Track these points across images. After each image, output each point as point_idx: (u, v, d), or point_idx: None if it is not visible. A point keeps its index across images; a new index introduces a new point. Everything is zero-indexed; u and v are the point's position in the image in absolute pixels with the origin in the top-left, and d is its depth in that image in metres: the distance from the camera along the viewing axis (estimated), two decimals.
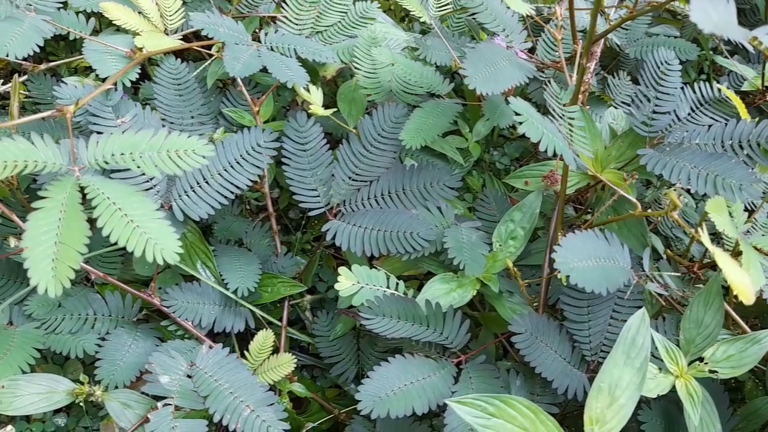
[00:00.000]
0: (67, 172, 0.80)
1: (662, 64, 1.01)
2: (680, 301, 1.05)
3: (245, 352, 1.05)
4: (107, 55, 1.04)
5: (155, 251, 0.75)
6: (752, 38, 0.71)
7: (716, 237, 1.13)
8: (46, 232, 0.73)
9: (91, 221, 0.76)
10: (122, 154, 0.81)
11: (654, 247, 1.14)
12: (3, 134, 0.99)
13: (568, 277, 0.84)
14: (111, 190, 0.78)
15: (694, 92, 1.05)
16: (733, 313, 0.97)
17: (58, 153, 0.80)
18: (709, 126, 0.97)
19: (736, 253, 0.92)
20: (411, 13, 1.26)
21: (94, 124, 0.99)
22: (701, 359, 0.90)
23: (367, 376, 0.92)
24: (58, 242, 0.73)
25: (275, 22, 1.28)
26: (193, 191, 1.01)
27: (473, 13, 1.04)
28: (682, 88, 1.04)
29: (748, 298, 0.69)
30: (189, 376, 0.94)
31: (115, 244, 0.76)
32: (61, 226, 0.74)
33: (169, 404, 0.89)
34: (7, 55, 0.95)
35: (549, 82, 0.93)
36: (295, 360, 1.06)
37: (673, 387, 0.87)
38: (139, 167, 0.80)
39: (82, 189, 0.78)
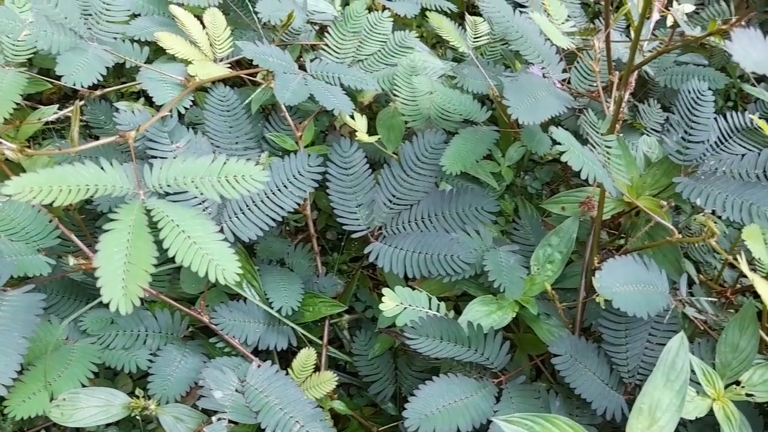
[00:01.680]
0: (134, 195, 0.84)
1: (695, 94, 1.04)
2: (712, 326, 1.07)
3: (288, 370, 1.09)
4: (162, 83, 1.10)
5: (217, 272, 0.79)
6: None
7: (750, 263, 1.16)
8: (117, 253, 0.77)
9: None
10: (184, 178, 0.86)
11: (687, 272, 1.17)
12: (64, 159, 1.05)
13: (607, 301, 0.87)
14: (175, 213, 0.82)
15: (726, 121, 1.08)
16: (767, 338, 1.00)
17: (125, 177, 0.85)
18: (743, 155, 1.00)
19: None
20: (448, 41, 1.31)
21: (152, 149, 1.04)
22: (738, 383, 0.92)
23: (413, 395, 0.95)
24: (128, 262, 0.77)
25: (315, 50, 1.33)
26: (243, 214, 1.05)
27: (511, 45, 1.08)
28: (715, 117, 1.07)
29: None
30: (238, 392, 0.98)
31: (166, 263, 0.80)
32: (129, 247, 0.78)
33: (223, 418, 0.93)
34: (74, 84, 1.01)
35: (586, 111, 0.97)
36: (336, 377, 1.09)
37: (711, 410, 0.90)
38: (200, 191, 0.85)
39: (148, 212, 0.82)
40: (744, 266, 0.77)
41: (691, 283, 1.17)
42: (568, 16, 1.44)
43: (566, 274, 1.14)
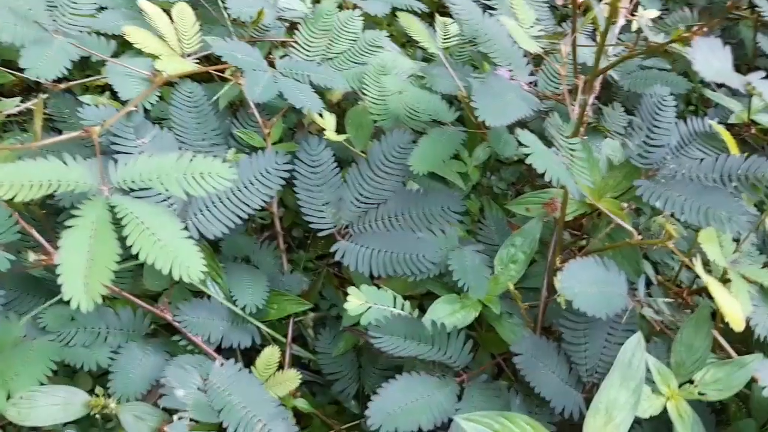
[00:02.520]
0: (97, 191, 0.83)
1: (657, 99, 1.07)
2: (669, 326, 1.10)
3: (251, 368, 1.09)
4: (128, 78, 1.08)
5: (182, 269, 0.79)
6: (747, 84, 0.76)
7: (705, 265, 1.19)
8: (79, 250, 0.77)
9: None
10: (150, 174, 0.85)
11: (646, 273, 1.20)
12: (26, 154, 1.03)
13: (568, 301, 0.89)
14: (139, 210, 0.82)
15: (687, 126, 1.11)
16: (721, 338, 1.03)
17: (89, 173, 0.84)
18: (701, 159, 1.03)
19: (723, 281, 0.97)
20: (416, 42, 1.32)
21: (116, 144, 1.02)
22: (691, 382, 0.95)
23: (376, 393, 0.96)
24: (90, 259, 0.76)
25: (285, 47, 1.33)
26: (209, 210, 1.05)
27: (480, 47, 1.09)
28: (676, 122, 1.10)
29: (738, 325, 0.74)
30: (201, 390, 0.97)
31: (128, 259, 0.79)
32: (92, 243, 0.77)
33: (185, 417, 0.92)
34: (38, 77, 0.99)
35: (552, 114, 0.99)
36: (300, 376, 1.09)
37: (665, 408, 0.92)
38: (165, 188, 0.84)
39: (111, 208, 0.82)
40: (699, 268, 0.79)
41: (649, 283, 1.20)
42: (537, 19, 1.47)
43: (529, 273, 1.15)
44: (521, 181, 1.49)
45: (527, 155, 0.86)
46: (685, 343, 0.96)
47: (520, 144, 0.90)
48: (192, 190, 0.85)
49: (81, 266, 0.75)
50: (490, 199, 1.39)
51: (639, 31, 0.95)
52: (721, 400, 1.10)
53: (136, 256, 0.80)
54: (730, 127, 1.54)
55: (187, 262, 0.79)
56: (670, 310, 1.14)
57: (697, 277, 1.26)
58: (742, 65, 1.79)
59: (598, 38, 1.05)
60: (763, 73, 0.76)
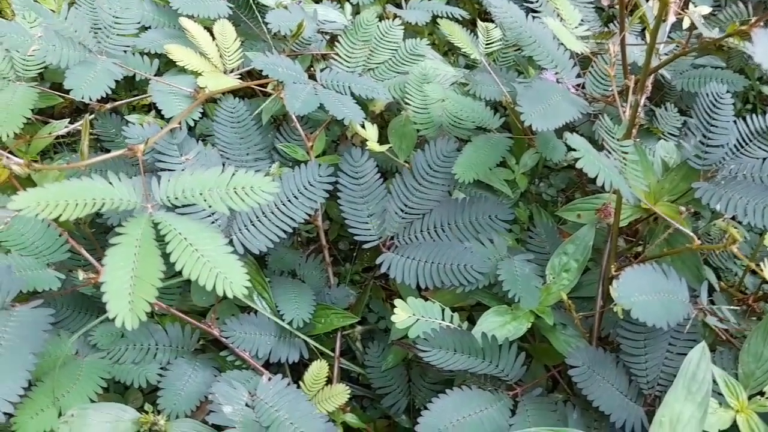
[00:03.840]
0: (141, 209, 0.84)
1: (714, 97, 1.02)
2: (734, 335, 1.04)
3: (299, 383, 1.07)
4: (171, 96, 1.09)
5: (225, 285, 0.78)
6: None
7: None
8: (123, 267, 0.76)
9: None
10: (192, 191, 0.85)
11: (709, 280, 1.14)
12: (74, 173, 1.04)
13: (625, 310, 0.84)
14: (182, 226, 0.81)
15: (746, 124, 1.06)
16: None
17: (133, 191, 0.84)
18: (764, 159, 0.97)
19: None
20: (459, 48, 1.30)
21: (161, 161, 1.03)
22: (762, 393, 0.89)
23: (426, 408, 0.93)
24: (135, 276, 0.76)
25: (326, 60, 1.32)
26: (253, 225, 1.04)
27: (524, 50, 1.06)
28: (734, 121, 1.04)
29: None
30: (249, 406, 0.96)
31: (176, 276, 0.79)
32: (136, 260, 0.77)
33: None
34: (83, 98, 1.00)
35: (602, 116, 0.95)
36: (349, 390, 1.08)
37: (734, 422, 0.87)
38: (208, 204, 0.84)
39: (155, 225, 0.82)
40: (767, 273, 0.74)
41: (711, 290, 1.14)
42: (582, 20, 1.43)
43: (583, 282, 1.11)
44: (571, 188, 1.44)
45: (577, 159, 0.82)
46: (753, 352, 0.91)
47: (570, 148, 0.86)
48: (234, 205, 0.84)
49: (125, 283, 0.75)
50: (540, 206, 1.35)
51: (691, 27, 0.90)
52: None
53: (182, 272, 0.80)
54: None
55: (231, 278, 0.78)
56: (735, 317, 1.08)
57: (764, 282, 1.20)
58: None
59: (648, 36, 1.01)
60: None
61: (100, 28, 1.10)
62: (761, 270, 0.75)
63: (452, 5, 1.61)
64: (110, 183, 0.83)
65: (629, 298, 0.83)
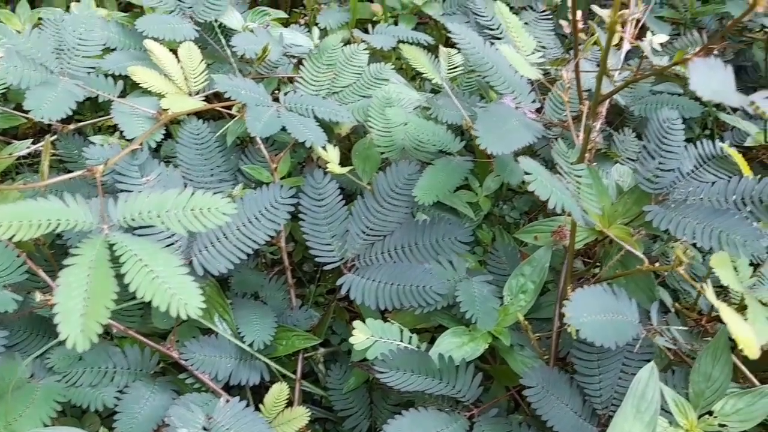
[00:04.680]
0: (97, 230, 0.84)
1: (665, 123, 1.05)
2: (690, 354, 1.06)
3: (260, 406, 1.07)
4: (134, 117, 1.10)
5: (180, 306, 0.78)
6: (751, 103, 0.74)
7: (724, 290, 1.15)
8: (76, 288, 0.76)
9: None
10: (149, 212, 0.85)
11: (663, 300, 1.16)
12: (35, 194, 1.04)
13: (578, 331, 0.86)
14: (138, 247, 0.81)
15: (697, 149, 1.09)
16: (743, 367, 0.99)
17: (89, 212, 0.84)
18: (713, 183, 1.00)
19: (742, 307, 0.94)
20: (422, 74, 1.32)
21: (121, 182, 1.03)
22: (710, 413, 0.91)
23: (382, 430, 0.93)
24: (87, 298, 0.76)
25: (293, 82, 1.34)
26: (213, 246, 1.04)
27: (481, 76, 1.08)
28: (685, 146, 1.07)
29: (753, 353, 0.71)
30: (206, 429, 0.96)
31: (136, 298, 0.79)
32: (90, 282, 0.77)
33: None
34: (42, 118, 1.01)
35: (557, 140, 0.97)
36: (309, 413, 1.07)
37: None
38: (165, 225, 0.84)
39: (110, 246, 0.82)
40: (710, 294, 0.76)
41: (667, 311, 1.16)
42: (543, 46, 1.46)
43: (542, 303, 1.13)
44: (534, 210, 1.46)
45: (530, 183, 0.84)
46: (703, 372, 0.93)
47: (526, 173, 0.88)
48: (192, 226, 0.85)
49: (78, 305, 0.75)
50: (502, 228, 1.37)
51: (643, 56, 0.93)
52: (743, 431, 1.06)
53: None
54: (747, 150, 1.52)
55: (186, 299, 0.78)
56: (689, 338, 1.10)
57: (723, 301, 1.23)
58: (759, 87, 1.76)
59: (600, 63, 1.04)
60: (766, 93, 0.74)
61: (63, 50, 1.10)
62: (704, 290, 0.77)
63: (420, 30, 1.65)
64: (66, 204, 0.83)
65: (578, 319, 0.84)
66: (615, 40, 1.18)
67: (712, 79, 0.67)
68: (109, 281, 0.78)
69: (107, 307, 0.76)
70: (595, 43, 1.11)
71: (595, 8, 0.85)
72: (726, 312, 0.73)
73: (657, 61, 1.00)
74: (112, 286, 0.78)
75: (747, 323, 0.74)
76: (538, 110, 1.19)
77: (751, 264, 1.06)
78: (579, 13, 0.91)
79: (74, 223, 0.82)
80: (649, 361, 0.94)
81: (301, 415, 1.06)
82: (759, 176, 1.00)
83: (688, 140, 1.67)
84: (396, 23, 1.60)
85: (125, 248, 0.81)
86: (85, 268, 0.78)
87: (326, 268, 1.13)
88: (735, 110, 1.60)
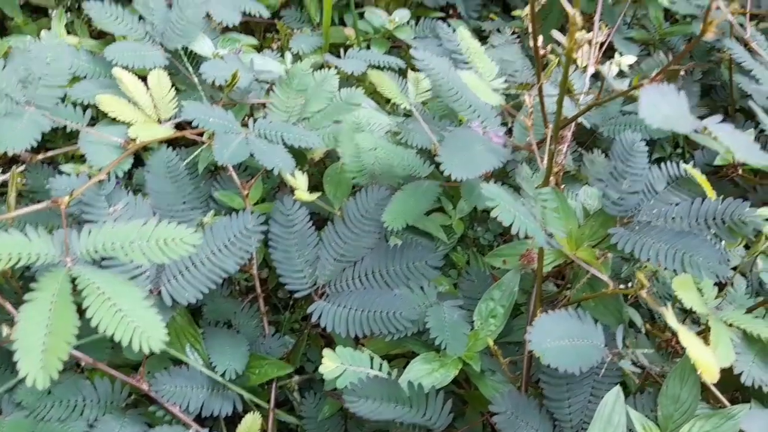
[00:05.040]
0: (60, 263, 0.83)
1: (629, 145, 1.06)
2: (662, 375, 1.06)
3: None
4: (101, 146, 1.09)
5: (142, 340, 0.78)
6: (704, 128, 0.75)
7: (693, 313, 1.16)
8: (37, 324, 0.76)
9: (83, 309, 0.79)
10: (113, 244, 0.85)
11: (634, 321, 1.17)
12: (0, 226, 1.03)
13: (540, 357, 0.86)
14: (101, 279, 0.81)
15: (661, 171, 1.10)
16: (713, 387, 0.99)
17: (51, 244, 0.84)
18: (676, 204, 1.01)
19: (708, 329, 0.95)
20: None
21: (88, 213, 1.03)
22: None
23: None
24: (48, 333, 0.75)
25: (265, 108, 1.34)
26: (182, 275, 1.04)
27: (446, 101, 1.09)
28: (650, 167, 1.08)
29: (712, 377, 0.71)
30: None
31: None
32: (51, 317, 0.77)
33: None
34: (5, 150, 1.00)
35: (521, 164, 0.98)
36: None
37: None
38: (129, 257, 0.84)
39: (73, 279, 0.81)
40: (670, 318, 0.77)
41: (638, 332, 1.17)
42: (516, 70, 1.48)
43: (513, 326, 1.13)
44: (508, 232, 1.47)
45: (492, 208, 0.85)
46: (670, 394, 0.93)
47: (489, 199, 0.89)
48: (156, 258, 0.85)
49: (38, 341, 0.74)
50: (477, 251, 1.38)
51: (602, 79, 0.95)
52: None
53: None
54: (717, 169, 1.54)
55: (149, 332, 0.78)
56: (659, 359, 1.10)
57: (694, 322, 1.24)
58: (728, 106, 1.79)
59: (559, 88, 1.05)
60: (719, 117, 0.75)
61: (30, 80, 1.10)
62: (665, 313, 0.78)
63: (394, 53, 1.66)
64: (27, 236, 0.82)
65: (541, 345, 0.84)
66: (582, 63, 1.20)
67: (662, 105, 0.68)
68: (71, 315, 0.78)
69: (68, 342, 0.75)
70: (560, 65, 1.12)
71: (555, 34, 0.86)
72: (685, 335, 0.73)
73: (618, 84, 1.01)
74: (74, 320, 0.77)
75: (705, 347, 0.74)
76: (510, 132, 1.20)
77: (718, 284, 1.07)
78: (540, 39, 0.92)
79: (36, 257, 0.82)
80: (618, 384, 0.95)
81: None
82: (722, 197, 1.01)
83: (659, 159, 1.70)
84: (369, 47, 1.61)
85: (88, 281, 0.81)
86: (47, 303, 0.78)
87: (297, 295, 1.13)
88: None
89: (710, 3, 0.66)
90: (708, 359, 0.72)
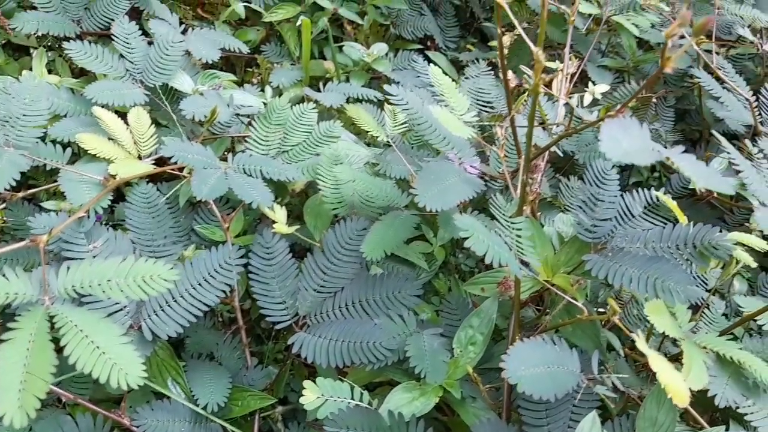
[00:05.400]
0: (38, 302, 0.84)
1: (601, 173, 1.08)
2: (642, 397, 1.07)
3: None
4: (81, 184, 1.10)
5: (119, 376, 0.78)
6: (667, 158, 0.78)
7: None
8: (14, 363, 0.76)
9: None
10: (91, 282, 0.86)
11: (613, 345, 1.18)
12: None
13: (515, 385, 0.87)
14: (79, 317, 0.82)
15: (633, 198, 1.12)
16: (691, 409, 1.00)
17: (29, 284, 0.84)
18: (648, 230, 1.03)
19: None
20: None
21: (68, 250, 1.04)
22: None
23: None
24: (26, 372, 0.76)
25: (244, 142, 1.36)
26: (162, 310, 1.04)
27: (420, 134, 1.12)
28: (622, 194, 1.11)
29: (682, 401, 0.73)
30: None
31: None
32: (29, 356, 0.77)
33: None
34: None
35: (495, 195, 1.00)
36: None
37: None
38: (107, 295, 0.85)
39: (51, 318, 0.82)
40: (641, 343, 0.78)
41: (617, 356, 1.18)
42: (490, 100, 1.51)
43: (494, 353, 1.14)
44: None
45: (466, 239, 0.86)
46: (648, 417, 0.94)
47: (462, 230, 0.90)
48: (135, 295, 0.85)
49: (16, 381, 0.74)
50: (459, 278, 1.39)
51: (571, 110, 0.97)
52: None
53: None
54: (693, 192, 1.56)
55: (126, 369, 0.79)
56: (638, 382, 1.12)
57: (674, 344, 1.25)
58: (704, 130, 1.83)
59: (544, 119, 1.08)
60: (682, 148, 0.77)
61: (8, 120, 1.11)
62: (637, 338, 0.79)
63: (374, 85, 1.69)
64: (5, 277, 0.83)
65: (516, 373, 0.85)
66: (556, 93, 1.22)
67: (623, 139, 0.70)
68: (49, 354, 0.78)
69: (46, 381, 0.76)
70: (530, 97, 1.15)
71: (523, 68, 0.89)
72: (654, 360, 0.75)
73: (587, 114, 1.04)
74: (52, 359, 0.78)
75: (675, 372, 0.75)
76: (487, 162, 1.22)
77: (694, 306, 1.09)
78: (510, 73, 0.94)
79: (14, 297, 0.82)
80: (598, 408, 0.96)
81: None
82: (693, 222, 1.03)
83: (637, 184, 1.73)
84: (348, 80, 1.64)
85: (65, 320, 0.81)
86: (25, 342, 0.78)
87: (278, 327, 1.13)
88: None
89: (666, 40, 0.69)
90: (677, 384, 0.73)
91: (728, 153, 0.98)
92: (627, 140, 0.72)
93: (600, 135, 0.68)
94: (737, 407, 0.97)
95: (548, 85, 1.28)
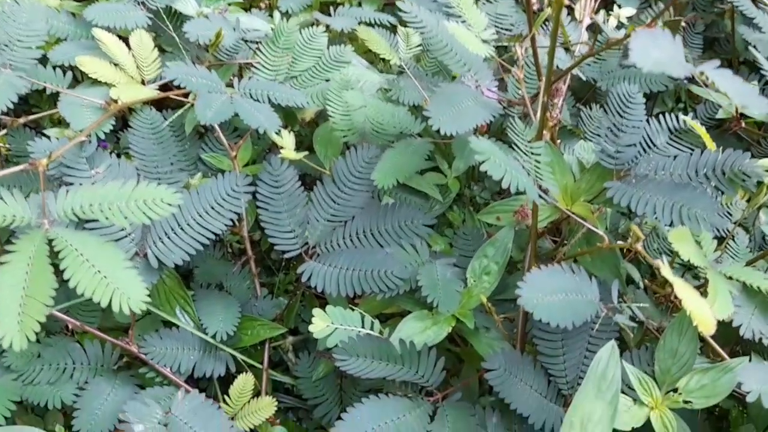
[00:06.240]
0: (37, 225, 0.81)
1: (625, 97, 1.02)
2: (662, 329, 1.04)
3: (225, 397, 1.06)
4: (82, 108, 1.07)
5: (121, 301, 0.76)
6: (700, 73, 0.72)
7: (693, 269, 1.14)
8: (13, 286, 0.74)
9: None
10: (91, 205, 0.83)
11: (632, 276, 1.15)
12: None
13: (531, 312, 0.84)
14: (79, 241, 0.79)
15: (659, 123, 1.06)
16: (712, 341, 0.97)
17: (27, 207, 0.82)
18: (675, 157, 0.98)
19: (707, 283, 0.92)
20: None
21: (69, 175, 1.01)
22: (676, 390, 0.90)
23: (341, 418, 0.92)
24: (25, 296, 0.74)
25: (251, 68, 1.31)
26: (168, 238, 1.02)
27: (435, 55, 1.06)
28: (648, 120, 1.05)
29: (708, 329, 0.69)
30: (165, 424, 0.94)
31: None
32: (28, 279, 0.75)
33: None
34: None
35: (514, 119, 0.95)
36: (277, 403, 1.06)
37: (649, 419, 0.87)
38: (107, 218, 0.82)
39: (50, 241, 0.79)
40: (666, 271, 0.75)
41: (637, 287, 1.15)
42: (511, 24, 1.43)
43: (509, 283, 1.11)
44: (505, 190, 1.44)
45: (482, 163, 0.82)
46: (668, 348, 0.91)
47: (477, 153, 0.86)
48: (136, 218, 0.83)
49: (15, 303, 0.73)
50: (473, 209, 1.35)
51: (596, 30, 0.91)
52: (720, 406, 1.05)
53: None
54: (720, 123, 1.50)
55: (128, 293, 0.76)
56: (658, 314, 1.09)
57: (694, 277, 1.21)
58: (733, 59, 1.74)
59: (565, 39, 1.02)
60: (717, 62, 0.71)
61: (6, 42, 1.07)
62: (659, 266, 0.75)
63: (387, 11, 1.62)
64: (3, 200, 0.80)
65: (532, 301, 0.82)
66: (579, 15, 1.15)
67: (654, 49, 0.64)
68: (49, 278, 0.76)
69: (46, 303, 0.74)
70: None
71: None
72: (680, 287, 0.71)
73: (612, 34, 0.98)
74: (52, 282, 0.76)
75: (701, 299, 0.72)
76: (503, 87, 1.16)
77: (719, 238, 1.04)
78: None
79: (11, 219, 0.80)
80: (616, 339, 0.93)
81: (268, 404, 1.05)
82: (721, 148, 0.98)
83: (660, 114, 1.66)
84: (360, 5, 1.56)
85: (65, 243, 0.79)
86: (23, 265, 0.76)
87: (287, 256, 1.11)
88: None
89: None
90: (704, 311, 0.70)
91: (764, 71, 0.92)
92: (657, 51, 0.66)
93: (630, 45, 0.62)
94: (760, 338, 0.94)
95: (570, 9, 1.21)
